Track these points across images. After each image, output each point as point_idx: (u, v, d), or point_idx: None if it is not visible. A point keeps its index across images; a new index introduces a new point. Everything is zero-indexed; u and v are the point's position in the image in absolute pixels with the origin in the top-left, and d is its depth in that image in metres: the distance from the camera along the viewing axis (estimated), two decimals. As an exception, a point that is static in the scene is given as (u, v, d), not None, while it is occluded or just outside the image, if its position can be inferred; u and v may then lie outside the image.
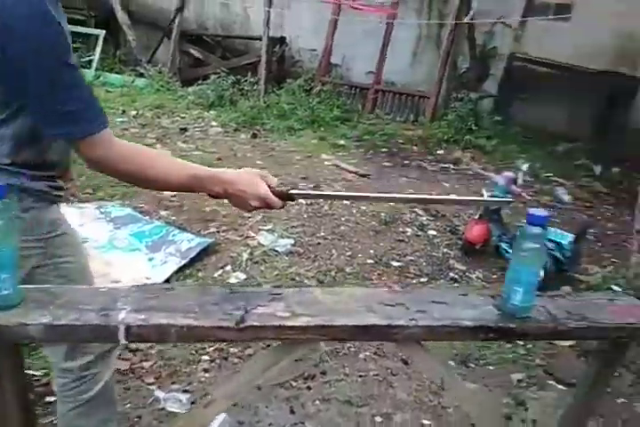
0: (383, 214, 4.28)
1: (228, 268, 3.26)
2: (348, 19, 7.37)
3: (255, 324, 1.17)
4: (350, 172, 5.26)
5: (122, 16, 8.54)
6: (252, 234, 3.72)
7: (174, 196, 4.10)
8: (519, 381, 2.56)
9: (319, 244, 3.74)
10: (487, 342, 2.64)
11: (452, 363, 2.65)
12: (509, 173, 3.60)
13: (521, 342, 2.80)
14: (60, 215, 1.41)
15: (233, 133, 6.16)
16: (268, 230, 3.74)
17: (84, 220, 3.44)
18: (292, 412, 2.23)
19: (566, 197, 5.49)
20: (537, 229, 1.24)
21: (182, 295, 1.31)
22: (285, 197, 1.27)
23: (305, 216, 4.13)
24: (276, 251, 3.50)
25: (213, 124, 6.44)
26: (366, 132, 6.42)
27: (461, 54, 7.19)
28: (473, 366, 2.66)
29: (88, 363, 1.49)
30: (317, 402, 2.29)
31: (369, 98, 7.21)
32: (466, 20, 6.45)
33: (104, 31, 8.52)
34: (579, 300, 1.41)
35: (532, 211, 1.23)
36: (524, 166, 3.71)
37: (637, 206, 3.51)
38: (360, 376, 2.50)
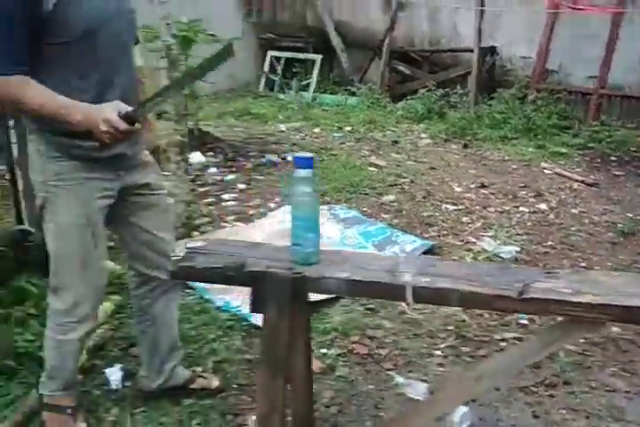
0: (620, 225, 3.85)
1: (452, 270, 3.21)
2: (563, 22, 6.93)
3: (538, 296, 1.13)
4: (576, 180, 4.85)
5: (336, 41, 9.16)
6: (473, 239, 3.62)
7: (393, 201, 4.20)
8: None
9: (547, 253, 3.50)
10: None
11: None
12: None
13: None
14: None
15: (443, 144, 6.13)
16: (490, 237, 3.62)
17: (321, 220, 3.70)
18: (536, 417, 2.09)
19: None
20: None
21: (455, 266, 1.32)
22: (131, 120, 1.50)
23: (529, 224, 3.91)
24: (501, 257, 3.36)
25: (423, 135, 6.48)
26: (591, 140, 5.88)
27: None
28: None
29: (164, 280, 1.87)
30: (563, 411, 2.12)
31: (592, 103, 6.61)
32: None
33: (321, 56, 9.22)
34: None
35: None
36: None
37: None
38: (607, 391, 2.26)
